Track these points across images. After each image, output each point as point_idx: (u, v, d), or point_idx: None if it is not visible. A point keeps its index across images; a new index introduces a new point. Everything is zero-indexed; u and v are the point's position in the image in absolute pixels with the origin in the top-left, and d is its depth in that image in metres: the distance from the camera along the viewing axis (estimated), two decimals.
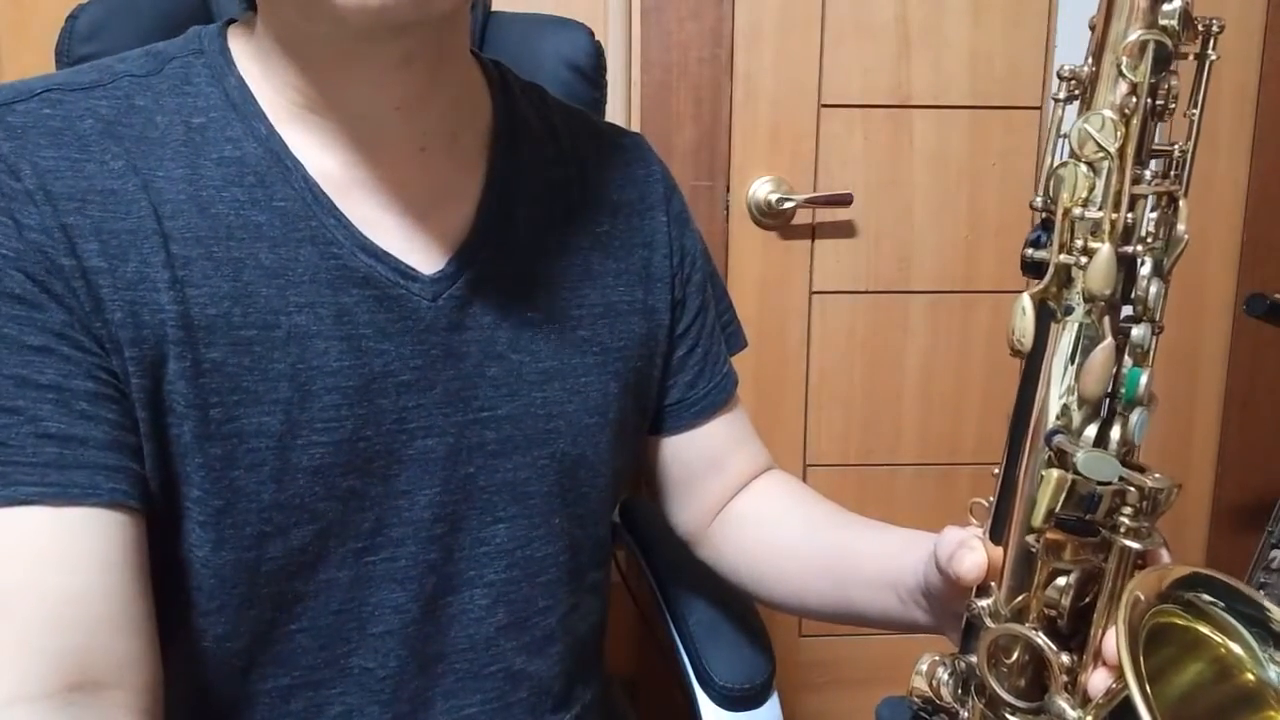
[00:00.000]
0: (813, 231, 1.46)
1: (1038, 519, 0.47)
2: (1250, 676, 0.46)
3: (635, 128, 1.39)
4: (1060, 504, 0.46)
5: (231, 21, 0.63)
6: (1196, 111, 0.47)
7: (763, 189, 1.43)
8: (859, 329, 1.50)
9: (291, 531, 0.58)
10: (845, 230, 1.46)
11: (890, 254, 1.48)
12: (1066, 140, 0.46)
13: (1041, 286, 0.47)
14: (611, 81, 1.06)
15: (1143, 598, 0.44)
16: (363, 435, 0.59)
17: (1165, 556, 0.48)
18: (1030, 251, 0.48)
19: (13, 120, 0.54)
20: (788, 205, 1.41)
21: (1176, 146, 0.47)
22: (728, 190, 1.43)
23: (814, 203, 1.43)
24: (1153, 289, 0.46)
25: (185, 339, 0.54)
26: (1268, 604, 0.47)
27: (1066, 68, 0.47)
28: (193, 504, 0.56)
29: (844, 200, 1.42)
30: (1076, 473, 0.45)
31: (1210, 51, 0.46)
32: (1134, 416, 0.46)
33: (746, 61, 1.40)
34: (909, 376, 1.52)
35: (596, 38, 1.01)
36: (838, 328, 1.49)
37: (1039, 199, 0.47)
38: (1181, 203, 0.47)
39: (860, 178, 1.44)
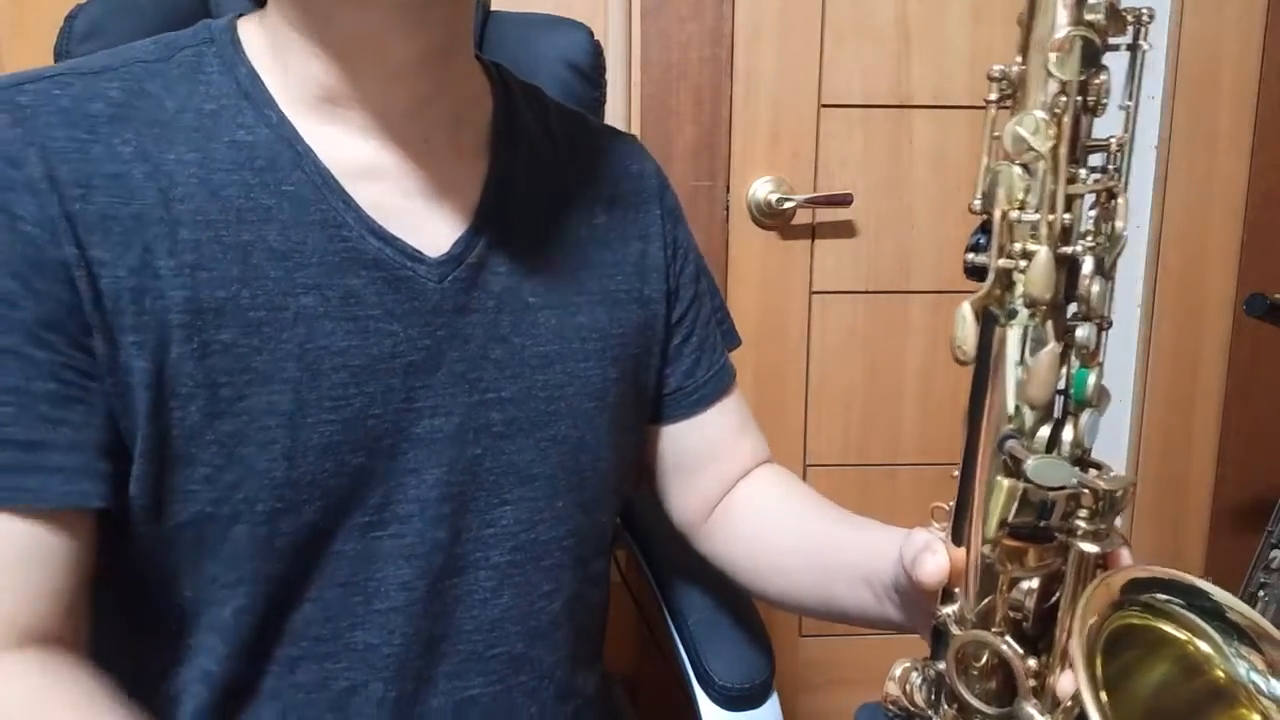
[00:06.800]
0: (813, 231, 1.46)
1: (991, 530, 0.46)
2: (1220, 673, 0.46)
3: (635, 128, 1.40)
4: (1013, 513, 0.46)
5: (239, 16, 0.64)
6: (1132, 104, 0.46)
7: (763, 189, 1.43)
8: (859, 329, 1.50)
9: (303, 508, 0.59)
10: (845, 230, 1.47)
11: (890, 254, 1.48)
12: (999, 142, 0.45)
13: (983, 293, 0.46)
14: (611, 81, 1.07)
15: (1102, 603, 0.44)
16: (371, 413, 0.60)
17: (1126, 557, 0.47)
18: (971, 256, 0.47)
19: (22, 100, 0.54)
20: (788, 205, 1.41)
21: (1113, 140, 0.46)
22: (728, 190, 1.43)
23: (814, 203, 1.43)
24: (1095, 288, 0.45)
25: (191, 322, 0.55)
26: (1223, 596, 0.46)
27: (996, 68, 0.46)
28: (202, 483, 0.57)
29: (844, 200, 1.42)
30: (1028, 480, 0.44)
31: (1142, 42, 0.45)
32: (1084, 418, 0.45)
33: (746, 61, 1.41)
34: (909, 376, 1.52)
35: (596, 37, 1.01)
36: (838, 328, 1.49)
37: (978, 202, 0.46)
38: (1120, 199, 0.46)
39: (860, 178, 1.44)
